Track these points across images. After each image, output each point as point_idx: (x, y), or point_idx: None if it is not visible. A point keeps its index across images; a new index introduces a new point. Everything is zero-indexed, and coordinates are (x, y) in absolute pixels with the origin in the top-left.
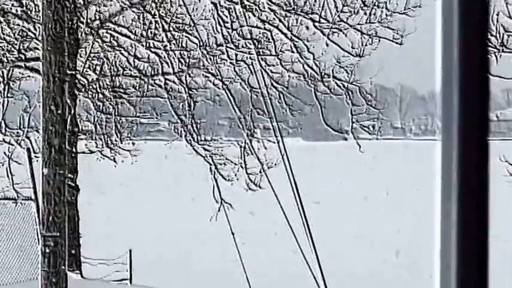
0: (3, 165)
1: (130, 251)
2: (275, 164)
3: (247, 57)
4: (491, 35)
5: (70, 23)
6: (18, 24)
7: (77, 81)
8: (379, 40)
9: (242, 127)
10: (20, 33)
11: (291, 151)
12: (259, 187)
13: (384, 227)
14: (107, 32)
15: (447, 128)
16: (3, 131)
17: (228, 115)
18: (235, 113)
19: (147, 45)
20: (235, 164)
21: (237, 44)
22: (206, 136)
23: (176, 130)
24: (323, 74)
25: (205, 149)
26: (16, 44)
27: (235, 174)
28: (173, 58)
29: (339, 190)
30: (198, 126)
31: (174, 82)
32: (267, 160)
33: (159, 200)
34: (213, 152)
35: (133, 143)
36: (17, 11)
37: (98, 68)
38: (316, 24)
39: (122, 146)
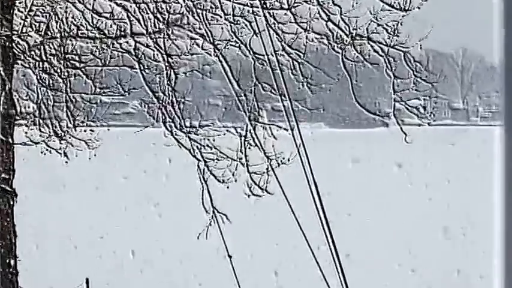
0: None
1: (87, 280)
2: (288, 160)
3: (248, 11)
4: None
5: None
6: None
7: (13, 45)
8: None
9: (242, 108)
10: None
11: (310, 142)
12: (266, 192)
13: (440, 263)
14: None
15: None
16: None
17: (222, 92)
18: (233, 89)
19: None
20: (233, 159)
21: None
22: (193, 121)
23: (151, 112)
24: (354, 34)
25: (191, 139)
26: None
27: (233, 174)
28: (147, 13)
29: (377, 197)
30: (182, 107)
31: (148, 46)
32: (277, 154)
33: (127, 211)
34: (203, 144)
35: (91, 131)
36: None
37: (43, 26)
38: None
39: (75, 134)
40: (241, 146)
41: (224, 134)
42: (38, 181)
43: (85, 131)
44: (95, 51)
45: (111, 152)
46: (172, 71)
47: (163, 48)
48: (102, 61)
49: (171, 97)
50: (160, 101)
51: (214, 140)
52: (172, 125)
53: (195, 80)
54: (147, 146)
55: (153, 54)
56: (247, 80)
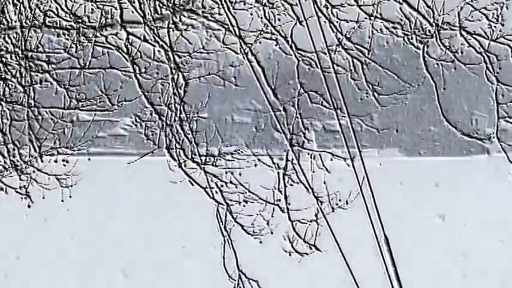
0: None
1: None
2: (346, 203)
3: None
4: None
5: None
6: None
7: None
8: None
9: (281, 128)
10: None
11: (379, 176)
12: (315, 248)
13: None
14: None
15: None
16: None
17: (252, 104)
18: (267, 100)
19: None
20: (268, 202)
21: None
22: (210, 147)
23: (150, 135)
24: (440, 22)
25: (208, 173)
26: None
27: (268, 223)
28: None
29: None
30: (195, 126)
31: (145, 40)
32: (331, 195)
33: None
34: (224, 179)
35: (65, 162)
36: None
37: None
38: None
39: (42, 166)
40: (278, 183)
41: (255, 165)
42: None
43: (56, 161)
44: (70, 48)
45: (94, 192)
46: (180, 75)
47: (167, 42)
48: (81, 61)
49: (178, 113)
50: (164, 118)
51: (240, 175)
52: (181, 152)
53: (213, 88)
54: (144, 183)
55: (153, 51)
56: (287, 88)
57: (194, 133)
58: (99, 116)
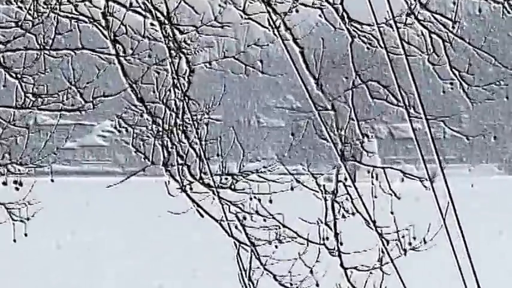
0: None
1: None
2: (424, 242)
3: None
4: None
5: None
6: None
7: None
8: None
9: (327, 134)
10: None
11: (470, 201)
12: None
13: None
14: None
15: None
16: None
17: (287, 99)
18: (308, 95)
19: None
20: (310, 241)
21: None
22: (227, 162)
23: (140, 145)
24: None
25: (222, 200)
26: None
27: (311, 271)
28: None
29: None
30: (204, 132)
31: (133, 9)
32: (402, 229)
33: None
34: (246, 209)
35: (17, 185)
36: None
37: None
38: None
39: None
40: (326, 214)
41: (292, 188)
42: None
43: (4, 184)
44: (24, 21)
45: (59, 228)
46: (183, 58)
47: (163, 12)
48: (40, 39)
49: (181, 113)
50: (160, 121)
51: (271, 202)
52: (185, 169)
53: (230, 78)
54: (132, 214)
55: (144, 23)
56: (337, 77)
57: (204, 143)
58: (67, 119)
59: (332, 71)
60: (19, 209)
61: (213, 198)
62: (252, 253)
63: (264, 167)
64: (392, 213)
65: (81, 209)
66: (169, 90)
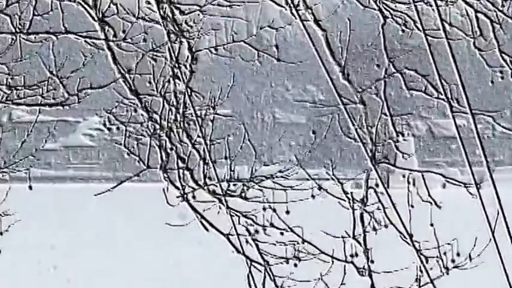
0: None
1: None
2: (469, 259)
3: None
4: None
5: None
6: None
7: None
8: None
9: (355, 132)
10: None
11: None
12: None
13: None
14: None
15: None
16: None
17: (306, 91)
18: (333, 85)
19: None
20: (336, 259)
21: None
22: (236, 166)
23: (134, 146)
24: None
25: (232, 210)
26: None
27: None
28: None
29: None
30: (209, 130)
31: None
32: (443, 244)
33: None
34: (260, 221)
35: None
36: None
37: None
38: None
39: None
40: (354, 226)
41: (313, 196)
42: None
43: None
44: None
45: (39, 245)
46: (185, 42)
47: None
48: (15, 22)
49: (182, 107)
50: (158, 118)
51: (288, 213)
52: (187, 174)
53: (240, 66)
54: (125, 226)
55: (137, 2)
56: (366, 64)
57: (209, 142)
58: (47, 115)
59: (361, 57)
60: None
61: (220, 208)
62: (266, 273)
63: (280, 171)
64: (432, 225)
65: (64, 221)
66: (169, 80)
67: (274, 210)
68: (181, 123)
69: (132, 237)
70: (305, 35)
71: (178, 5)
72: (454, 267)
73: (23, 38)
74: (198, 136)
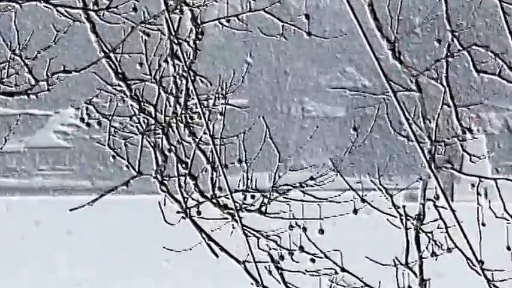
0: None
1: None
2: None
3: None
4: None
5: None
6: None
7: None
8: None
9: (409, 127)
10: None
11: None
12: None
13: None
14: None
15: None
16: None
17: (345, 75)
18: (380, 69)
19: None
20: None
21: None
22: (259, 173)
23: (121, 147)
24: None
25: (248, 228)
26: None
27: None
28: None
29: None
30: (218, 127)
31: None
32: None
33: None
34: (286, 246)
35: None
36: None
37: None
38: None
39: None
40: (407, 251)
41: (355, 211)
42: None
43: None
44: None
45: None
46: (187, 12)
47: None
48: None
49: (184, 96)
50: (152, 110)
51: (322, 232)
52: (190, 183)
53: (259, 43)
54: (108, 249)
55: None
56: (422, 40)
57: (218, 142)
58: (8, 107)
59: (415, 31)
60: None
61: (233, 227)
62: None
63: (312, 178)
64: (509, 248)
65: (31, 240)
66: (166, 61)
67: (304, 230)
68: (183, 117)
69: (118, 261)
70: (344, 2)
71: None
72: None
73: None
74: (204, 133)
